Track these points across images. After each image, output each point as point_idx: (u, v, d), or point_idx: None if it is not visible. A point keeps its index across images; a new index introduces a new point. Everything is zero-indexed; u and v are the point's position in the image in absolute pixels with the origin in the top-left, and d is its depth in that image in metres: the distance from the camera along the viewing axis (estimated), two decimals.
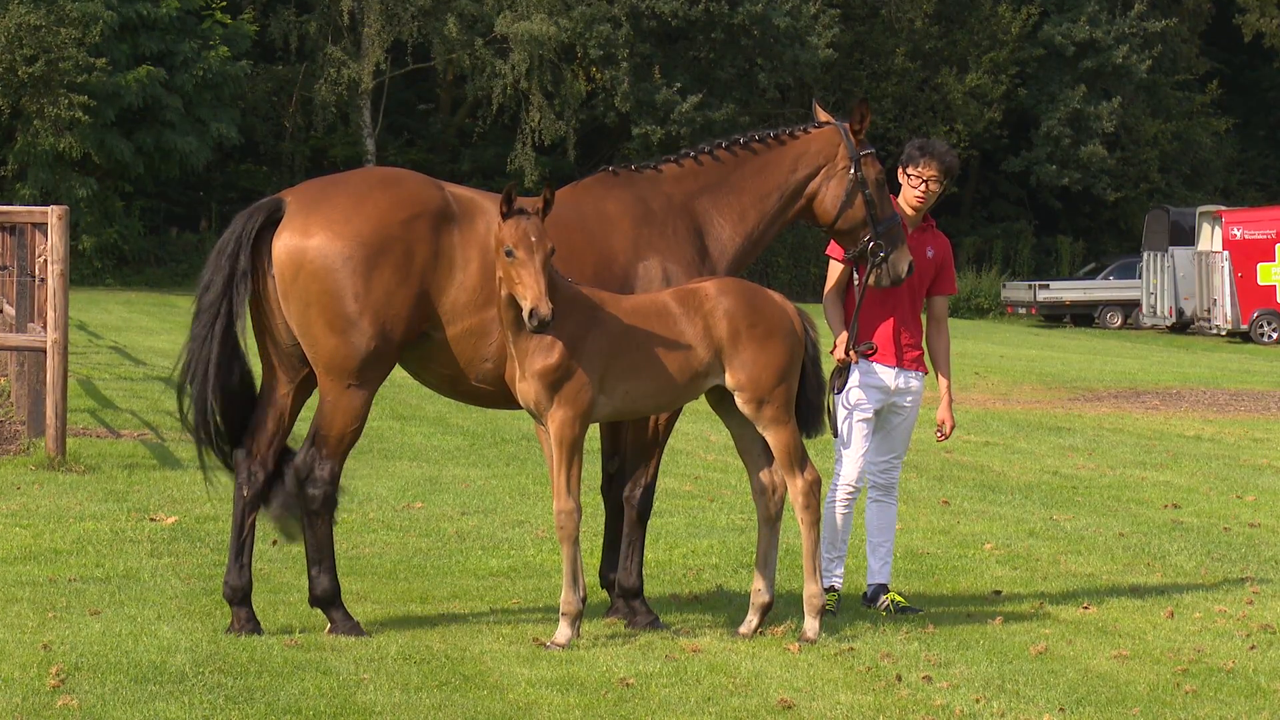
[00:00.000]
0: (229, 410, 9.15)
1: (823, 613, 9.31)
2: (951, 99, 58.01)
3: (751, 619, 9.29)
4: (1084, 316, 52.73)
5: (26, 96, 46.83)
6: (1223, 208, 49.72)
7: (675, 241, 9.54)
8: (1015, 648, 9.15)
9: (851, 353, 10.04)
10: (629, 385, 8.87)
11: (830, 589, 10.06)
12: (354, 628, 9.08)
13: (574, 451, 8.76)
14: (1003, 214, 62.47)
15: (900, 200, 10.31)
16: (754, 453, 9.30)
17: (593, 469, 9.97)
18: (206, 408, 9.06)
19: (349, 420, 8.99)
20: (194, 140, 49.15)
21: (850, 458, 10.16)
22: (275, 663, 8.39)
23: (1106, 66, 59.83)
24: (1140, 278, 50.63)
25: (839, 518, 10.12)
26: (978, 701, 8.03)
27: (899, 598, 10.26)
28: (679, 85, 54.12)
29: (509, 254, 8.51)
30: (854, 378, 10.13)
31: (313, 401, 9.23)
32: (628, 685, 8.12)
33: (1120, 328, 51.56)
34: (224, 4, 50.91)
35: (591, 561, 10.14)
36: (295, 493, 9.06)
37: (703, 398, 9.26)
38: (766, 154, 9.84)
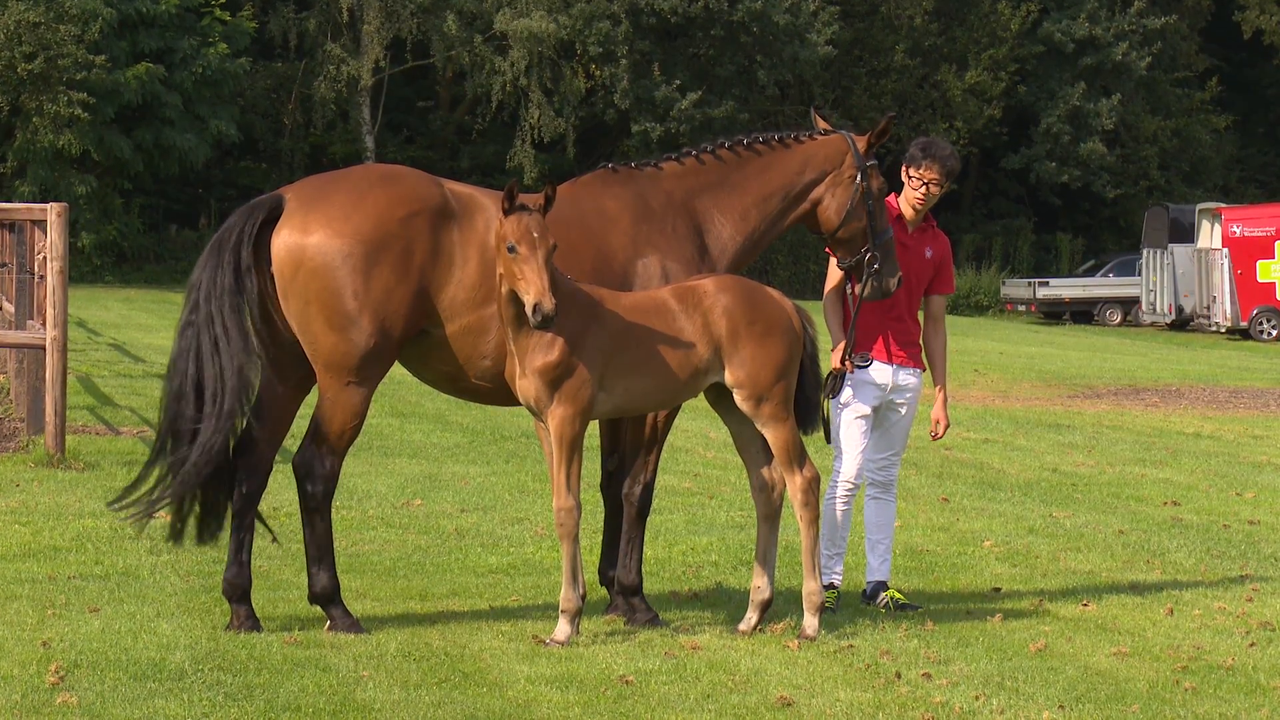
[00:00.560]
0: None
1: (822, 610, 9.31)
2: (951, 96, 58.01)
3: (751, 616, 9.29)
4: (1083, 314, 52.73)
5: (26, 93, 46.84)
6: (1222, 205, 49.74)
7: (675, 239, 9.54)
8: (1015, 645, 9.15)
9: (847, 362, 10.06)
10: (628, 382, 8.88)
11: (830, 586, 10.07)
12: (353, 625, 9.08)
13: (574, 449, 8.76)
14: (1002, 211, 62.47)
15: (901, 199, 10.31)
16: (753, 450, 9.30)
17: (592, 466, 9.97)
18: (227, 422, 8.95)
19: (348, 417, 8.99)
20: (193, 137, 49.15)
21: (849, 455, 10.16)
22: (275, 660, 8.39)
23: (1106, 64, 59.83)
24: (1140, 275, 50.62)
25: (838, 515, 10.12)
26: (977, 699, 8.03)
27: (898, 595, 10.26)
28: (678, 82, 54.11)
29: (511, 250, 8.51)
30: (849, 379, 10.15)
31: (311, 398, 9.23)
32: (627, 682, 8.12)
33: (1120, 325, 51.56)
34: (223, 1, 50.91)
35: (591, 559, 10.14)
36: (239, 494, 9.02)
37: (701, 395, 9.26)
38: (770, 156, 9.83)
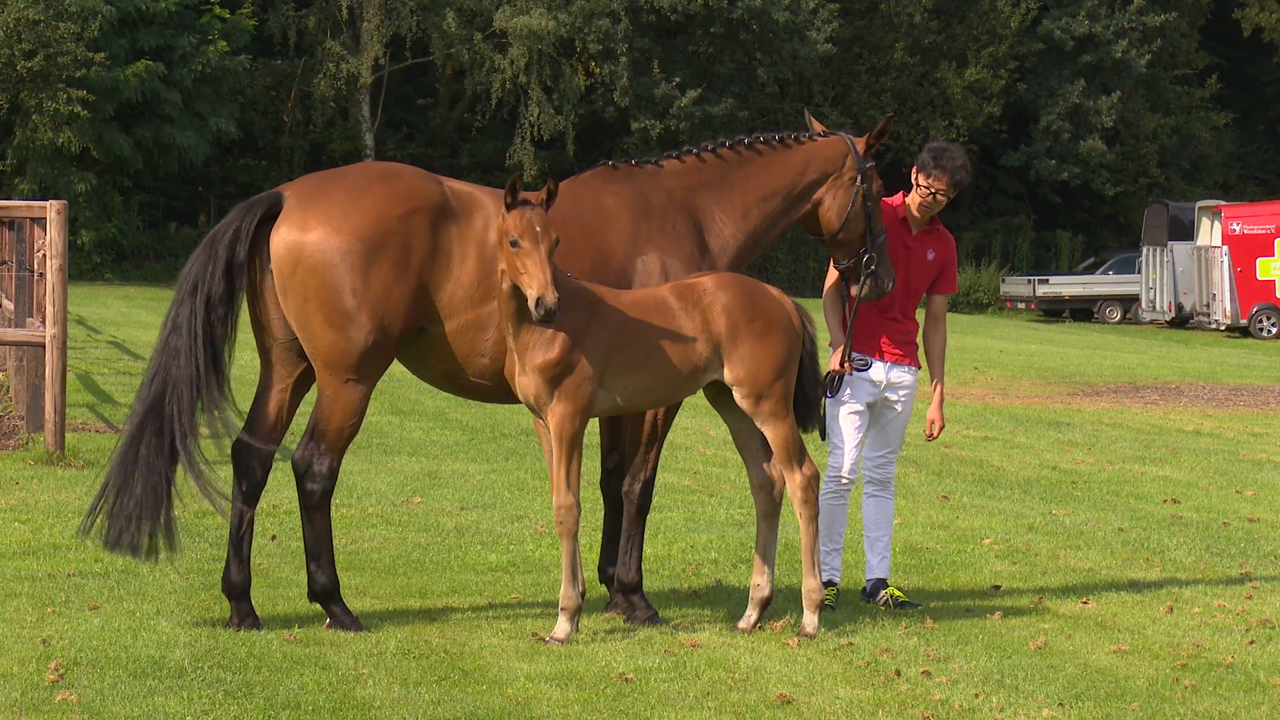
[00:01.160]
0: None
1: (821, 608, 9.32)
2: (951, 94, 57.99)
3: (750, 614, 9.29)
4: (1083, 311, 52.72)
5: (25, 91, 46.81)
6: (1222, 202, 49.70)
7: (674, 237, 9.54)
8: (1014, 643, 9.15)
9: (846, 364, 10.07)
10: (628, 380, 8.88)
11: (828, 583, 10.07)
12: (353, 623, 9.08)
13: (573, 446, 8.76)
14: (1002, 209, 62.45)
15: (908, 200, 10.34)
16: (752, 448, 9.30)
17: (592, 463, 9.97)
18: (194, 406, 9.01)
19: (347, 415, 8.99)
20: (193, 135, 49.12)
21: (841, 449, 10.16)
22: (274, 658, 8.39)
23: (1106, 61, 59.81)
24: (1139, 272, 50.60)
25: (831, 509, 10.11)
26: (977, 696, 8.03)
27: (898, 593, 10.26)
28: (678, 80, 54.08)
29: (514, 244, 8.51)
30: (847, 377, 10.17)
31: (311, 396, 9.23)
32: (627, 680, 8.12)
33: (1119, 323, 51.54)
34: None
35: (590, 556, 10.14)
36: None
37: (701, 393, 9.26)
38: (771, 155, 9.84)
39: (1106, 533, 13.02)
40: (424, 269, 8.94)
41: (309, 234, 8.87)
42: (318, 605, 9.21)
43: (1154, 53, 60.26)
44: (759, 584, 9.26)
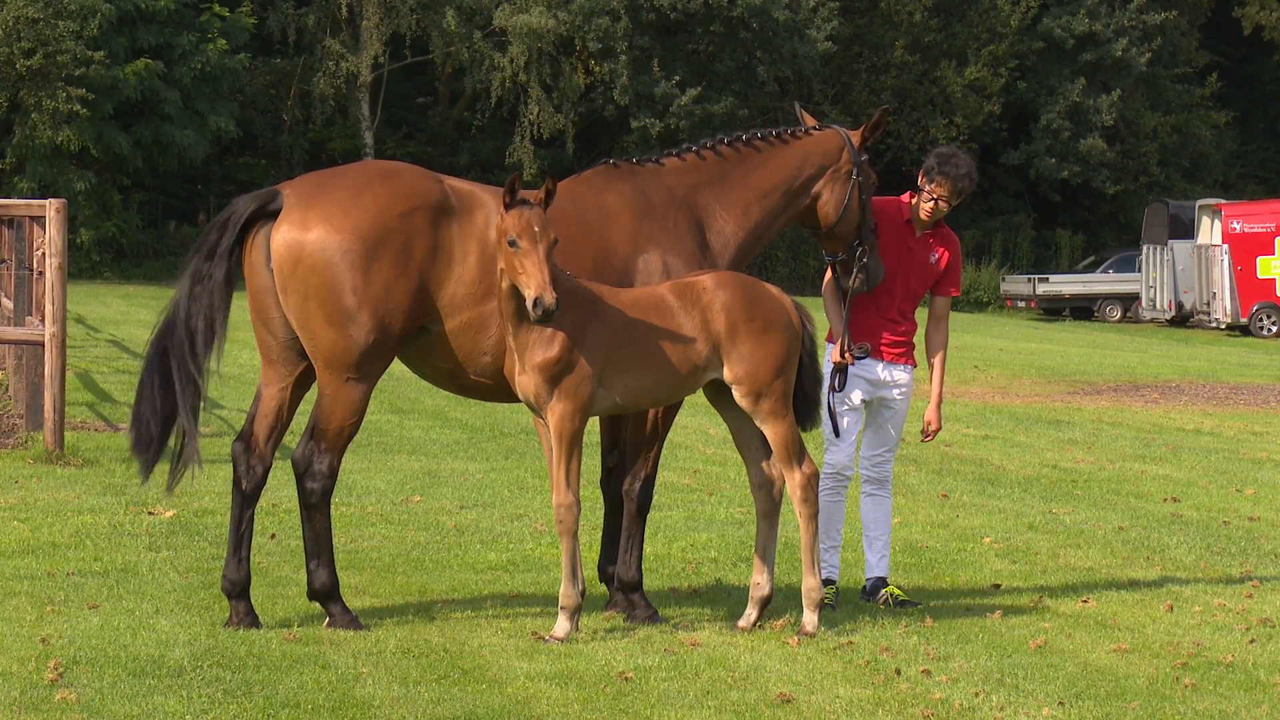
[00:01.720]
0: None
1: (821, 606, 9.31)
2: (951, 92, 57.98)
3: (750, 612, 9.29)
4: (1083, 310, 52.72)
5: (25, 90, 46.79)
6: (1222, 201, 49.69)
7: (676, 235, 9.54)
8: (1014, 641, 9.15)
9: (848, 354, 10.07)
10: (628, 379, 8.87)
11: (827, 581, 10.06)
12: (352, 622, 9.07)
13: (573, 445, 8.75)
14: (1002, 207, 62.43)
15: (913, 202, 10.34)
16: (752, 446, 9.30)
17: (592, 462, 9.96)
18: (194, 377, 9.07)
19: (348, 414, 8.98)
20: (192, 134, 49.10)
21: (836, 445, 10.16)
22: (273, 656, 8.38)
23: (1106, 59, 59.79)
24: (1140, 271, 50.61)
25: (829, 505, 10.11)
26: (977, 695, 8.02)
27: (898, 591, 10.26)
28: (678, 78, 54.06)
29: (512, 244, 8.50)
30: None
31: (311, 395, 9.22)
32: (626, 679, 8.11)
33: (1119, 321, 51.54)
34: None
35: (590, 555, 10.14)
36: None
37: (701, 392, 9.25)
38: (770, 151, 9.86)
39: (1106, 531, 13.02)
40: (424, 267, 8.93)
41: (309, 233, 8.87)
42: (317, 604, 9.20)
43: (1154, 51, 60.25)
44: (759, 583, 9.26)
